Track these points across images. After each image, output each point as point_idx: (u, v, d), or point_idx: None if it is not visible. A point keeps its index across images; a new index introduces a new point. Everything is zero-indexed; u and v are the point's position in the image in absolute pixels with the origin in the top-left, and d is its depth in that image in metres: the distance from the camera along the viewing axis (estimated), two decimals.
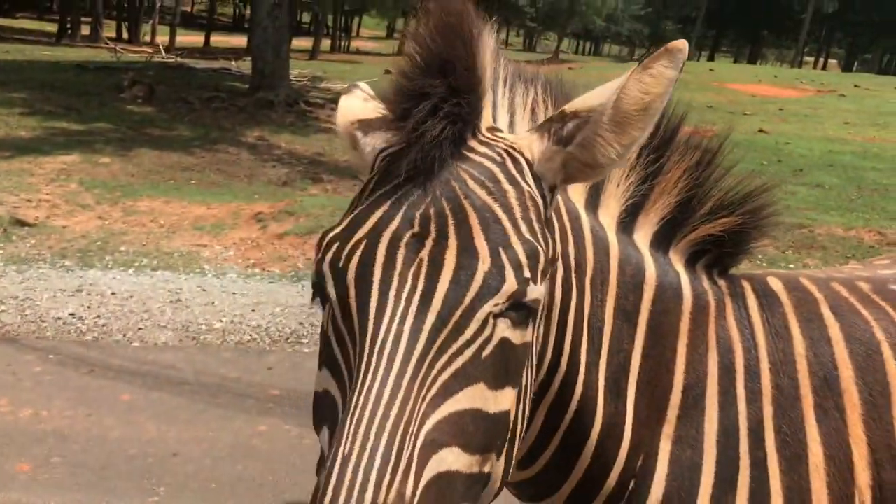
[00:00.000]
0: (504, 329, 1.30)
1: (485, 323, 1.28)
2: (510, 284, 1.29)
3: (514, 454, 1.41)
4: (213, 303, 7.34)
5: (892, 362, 1.82)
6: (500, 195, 1.37)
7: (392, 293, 1.28)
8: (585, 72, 28.92)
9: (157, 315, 6.99)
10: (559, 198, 1.65)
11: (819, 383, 1.78)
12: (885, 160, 15.40)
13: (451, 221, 1.31)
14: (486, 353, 1.28)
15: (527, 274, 1.31)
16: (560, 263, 1.58)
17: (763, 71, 41.24)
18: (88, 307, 7.03)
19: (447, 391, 1.24)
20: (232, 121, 16.08)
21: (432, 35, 1.39)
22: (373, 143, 1.56)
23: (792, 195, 12.08)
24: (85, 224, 9.36)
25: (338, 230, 1.40)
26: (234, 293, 7.63)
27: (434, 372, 1.24)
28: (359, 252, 1.33)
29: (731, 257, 1.90)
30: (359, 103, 1.71)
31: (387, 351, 1.23)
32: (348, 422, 1.20)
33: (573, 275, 1.63)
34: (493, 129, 1.51)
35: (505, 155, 1.44)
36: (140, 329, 6.70)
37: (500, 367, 1.30)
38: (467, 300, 1.27)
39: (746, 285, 1.90)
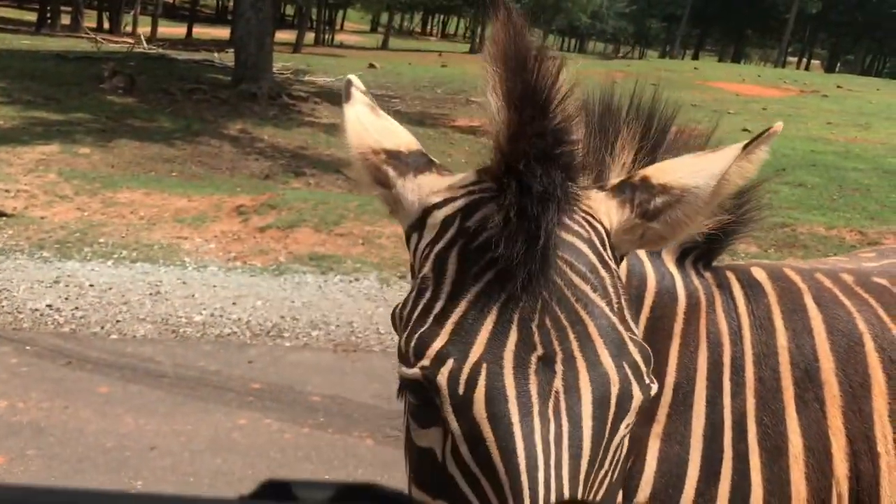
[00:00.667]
0: (625, 433, 1.23)
1: (622, 440, 1.22)
2: (637, 400, 1.20)
3: None
4: (193, 295, 7.27)
5: (874, 354, 1.82)
6: (601, 288, 1.24)
7: (538, 438, 1.13)
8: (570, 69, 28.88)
9: (136, 307, 6.91)
10: None
11: (800, 375, 1.78)
12: (866, 160, 15.52)
13: (571, 335, 1.19)
14: (619, 464, 1.23)
15: (647, 380, 1.22)
16: None
17: (747, 70, 41.46)
18: (66, 299, 6.94)
19: None
20: (214, 113, 15.93)
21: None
22: (418, 192, 1.37)
23: (774, 194, 12.14)
24: (64, 215, 9.24)
25: (441, 343, 1.19)
26: (214, 286, 7.56)
27: (592, 491, 1.16)
28: (483, 380, 1.16)
29: (716, 250, 1.89)
30: (368, 117, 1.48)
31: (552, 473, 1.12)
32: None
33: None
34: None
35: (588, 228, 1.30)
36: (119, 321, 6.62)
37: (622, 472, 1.27)
38: (608, 433, 1.17)
39: (731, 276, 1.88)
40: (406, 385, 1.22)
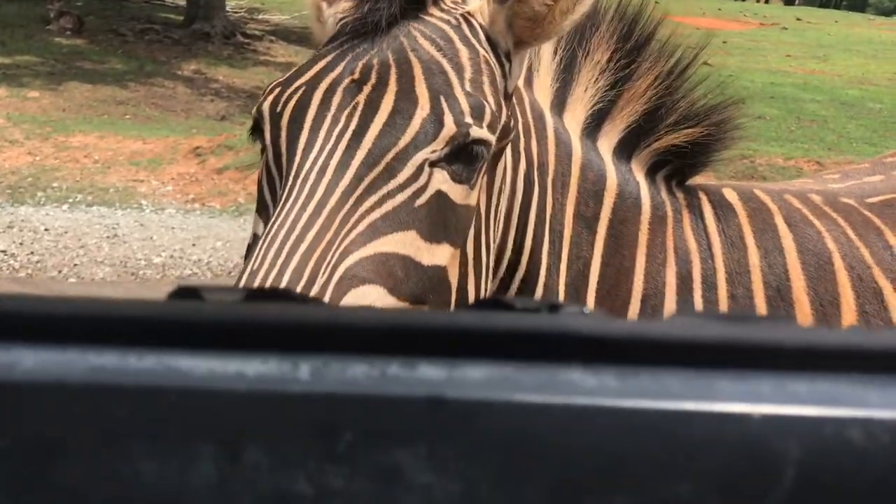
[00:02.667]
0: (442, 180, 1.26)
1: (420, 169, 1.25)
2: (448, 129, 1.25)
3: None
4: (151, 238, 7.18)
5: (843, 273, 1.84)
6: (451, 54, 1.34)
7: (323, 131, 1.24)
8: None
9: (93, 251, 6.81)
10: (525, 95, 1.61)
11: (772, 293, 1.80)
12: (823, 92, 15.65)
13: (393, 70, 1.28)
14: (419, 201, 1.25)
15: (468, 119, 1.27)
16: (522, 157, 1.55)
17: (707, 4, 41.30)
18: (21, 244, 6.81)
19: (375, 231, 1.21)
20: (167, 54, 15.53)
21: None
22: (335, 11, 1.52)
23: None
24: (14, 160, 9.01)
25: (281, 79, 1.37)
26: (173, 228, 7.47)
27: (361, 209, 1.20)
28: (296, 97, 1.30)
29: (690, 169, 1.89)
30: None
31: (310, 181, 1.20)
32: (260, 243, 1.16)
33: (535, 172, 1.60)
34: (456, 1, 1.48)
35: (461, 20, 1.42)
36: (76, 265, 6.53)
37: (437, 220, 1.27)
38: (402, 143, 1.24)
39: (703, 196, 1.89)
40: (251, 130, 1.39)
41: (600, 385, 0.34)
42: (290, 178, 1.22)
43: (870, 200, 2.02)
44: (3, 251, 6.65)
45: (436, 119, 1.26)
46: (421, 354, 0.34)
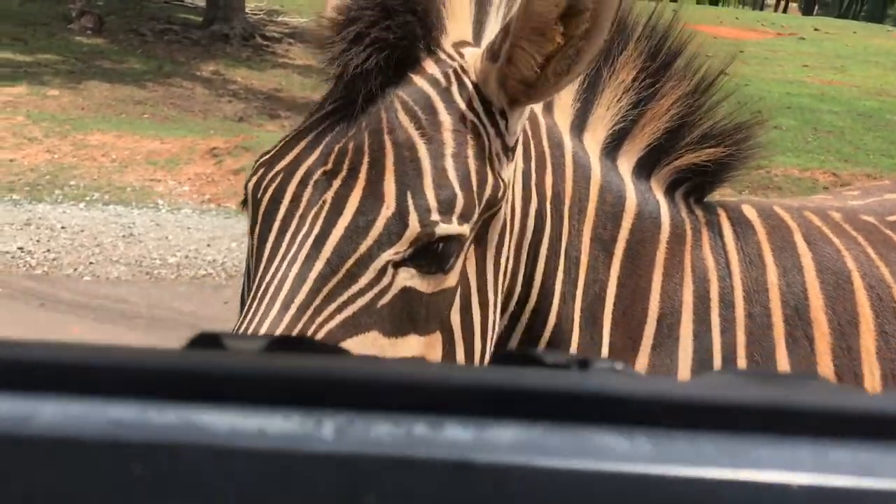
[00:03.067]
0: (407, 278, 1.24)
1: (382, 272, 1.23)
2: (412, 230, 1.22)
3: None
4: (167, 237, 7.20)
5: (862, 292, 1.81)
6: (431, 128, 1.30)
7: (288, 235, 1.24)
8: None
9: (109, 249, 6.84)
10: (542, 121, 1.58)
11: (790, 312, 1.77)
12: (840, 103, 15.54)
13: (365, 159, 1.25)
14: (382, 301, 1.23)
15: (435, 217, 1.24)
16: (534, 195, 1.52)
17: (725, 13, 41.16)
18: (38, 241, 6.85)
19: (332, 338, 1.19)
20: (186, 54, 15.61)
21: None
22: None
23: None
24: (33, 157, 9.07)
25: (267, 156, 1.36)
26: (188, 228, 7.49)
27: (319, 319, 1.19)
28: (274, 185, 1.29)
29: (708, 186, 1.86)
30: None
31: (269, 294, 1.19)
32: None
33: (548, 205, 1.56)
34: (461, 45, 1.42)
35: (453, 78, 1.36)
36: (91, 263, 6.56)
37: (402, 315, 1.24)
38: (363, 248, 1.22)
39: (722, 213, 1.86)
40: (242, 203, 1.40)
41: (634, 449, 0.32)
42: (255, 285, 1.22)
43: (890, 218, 2.00)
44: (20, 248, 6.68)
45: (400, 219, 1.23)
46: (448, 413, 0.33)
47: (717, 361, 1.71)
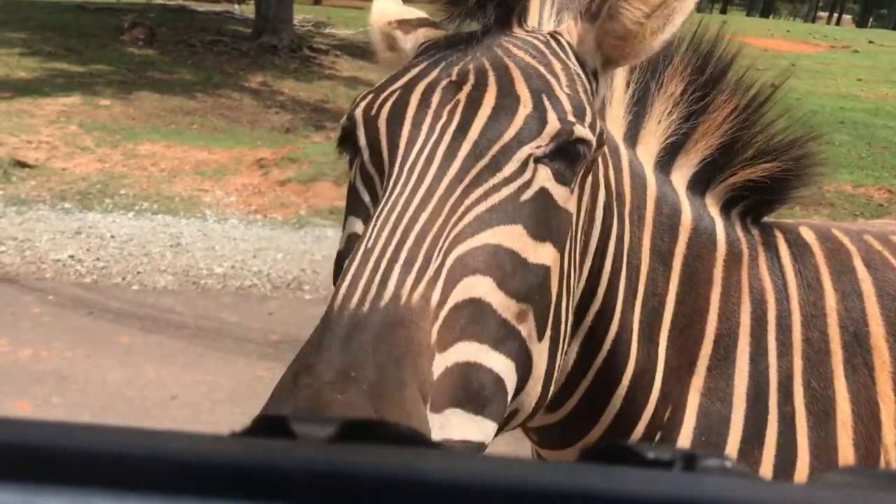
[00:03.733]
0: (546, 178, 1.24)
1: (525, 164, 1.23)
2: (553, 126, 1.24)
3: (558, 351, 1.32)
4: (213, 248, 7.28)
5: None
6: (545, 62, 1.34)
7: (425, 126, 1.23)
8: None
9: (156, 259, 6.93)
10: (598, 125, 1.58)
11: (849, 338, 1.71)
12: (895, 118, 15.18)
13: (491, 73, 1.28)
14: (525, 196, 1.22)
15: (571, 118, 1.26)
16: (602, 186, 1.49)
17: (776, 25, 40.59)
18: (88, 250, 6.97)
19: (483, 222, 1.18)
20: (234, 65, 15.83)
21: None
22: (415, 38, 1.53)
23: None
24: (85, 166, 9.25)
25: (373, 89, 1.36)
26: (235, 238, 7.56)
27: (469, 200, 1.18)
28: (393, 98, 1.29)
29: (766, 205, 1.81)
30: (392, 6, 1.67)
31: (416, 171, 1.18)
32: (372, 225, 1.14)
33: (614, 202, 1.53)
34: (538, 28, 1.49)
35: (549, 38, 1.42)
36: (139, 272, 6.65)
37: (541, 218, 1.23)
38: (506, 137, 1.22)
39: (779, 234, 1.81)
40: (340, 141, 1.35)
41: None
42: (396, 169, 1.20)
43: None
44: (70, 256, 6.80)
45: (539, 116, 1.25)
46: None
47: (774, 387, 1.66)
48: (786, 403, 1.66)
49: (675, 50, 1.71)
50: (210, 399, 4.83)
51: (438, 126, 1.23)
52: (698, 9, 1.45)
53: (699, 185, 1.75)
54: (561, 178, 1.26)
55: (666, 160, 1.72)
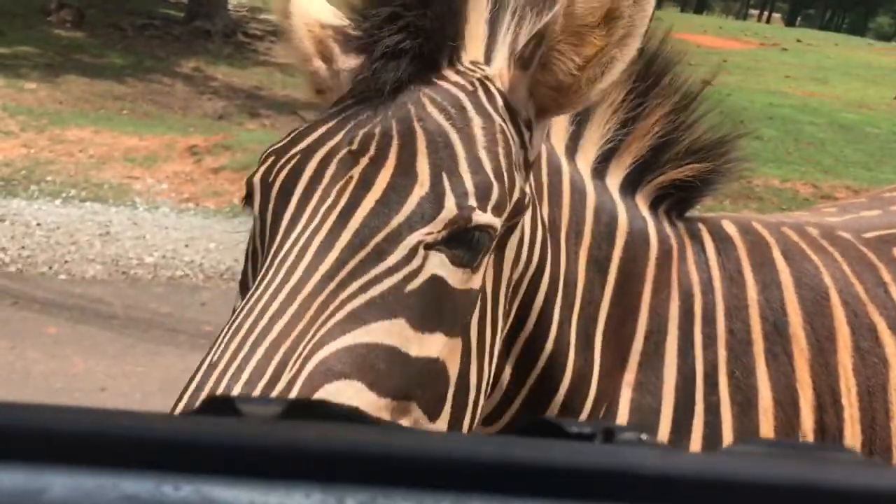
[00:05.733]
0: (438, 264, 1.17)
1: (413, 251, 1.15)
2: (449, 211, 1.16)
3: (465, 416, 1.28)
4: (144, 237, 7.13)
5: (839, 308, 1.82)
6: (462, 123, 1.25)
7: (310, 207, 1.16)
8: None
9: (85, 248, 6.76)
10: (543, 149, 1.55)
11: (769, 328, 1.77)
12: (822, 115, 15.71)
13: (395, 142, 1.19)
14: (411, 286, 1.15)
15: (472, 202, 1.18)
16: (540, 225, 1.48)
17: (709, 22, 41.50)
18: (12, 238, 6.75)
19: (356, 319, 1.11)
20: (166, 50, 15.47)
21: None
22: (356, 65, 1.36)
23: None
24: (8, 152, 8.94)
25: (278, 145, 1.29)
26: (166, 227, 7.42)
27: (342, 296, 1.11)
28: (290, 166, 1.22)
29: (691, 200, 1.87)
30: (319, 3, 1.52)
31: (287, 264, 1.11)
32: (225, 330, 1.07)
33: (550, 235, 1.54)
34: (476, 64, 1.39)
35: (478, 85, 1.33)
36: (67, 262, 6.48)
37: (431, 307, 1.17)
38: (394, 223, 1.15)
39: (703, 228, 1.86)
40: (245, 199, 1.31)
41: None
42: (269, 258, 1.14)
43: (866, 235, 2.02)
44: None
45: (435, 198, 1.17)
46: (474, 490, 0.32)
47: (700, 378, 1.71)
48: (711, 393, 1.71)
49: None
50: (141, 390, 4.75)
51: (322, 209, 1.15)
52: None
53: (630, 186, 1.79)
54: (459, 261, 1.19)
55: (602, 167, 1.75)
